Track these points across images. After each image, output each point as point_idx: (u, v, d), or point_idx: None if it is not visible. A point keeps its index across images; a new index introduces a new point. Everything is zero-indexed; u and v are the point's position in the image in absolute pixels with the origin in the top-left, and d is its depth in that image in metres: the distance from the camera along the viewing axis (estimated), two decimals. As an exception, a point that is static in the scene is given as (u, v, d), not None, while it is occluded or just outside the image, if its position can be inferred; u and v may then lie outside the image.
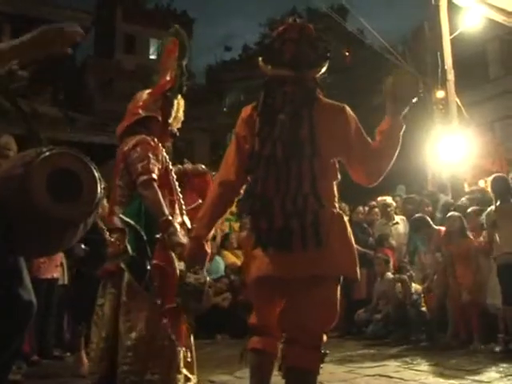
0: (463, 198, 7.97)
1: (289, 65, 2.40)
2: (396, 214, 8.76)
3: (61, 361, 6.24)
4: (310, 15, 30.38)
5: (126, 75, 30.06)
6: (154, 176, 3.24)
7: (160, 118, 3.47)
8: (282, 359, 2.41)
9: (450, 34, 10.48)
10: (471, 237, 6.60)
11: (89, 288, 5.07)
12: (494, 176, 6.55)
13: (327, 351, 2.46)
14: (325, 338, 2.46)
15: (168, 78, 3.52)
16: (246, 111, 2.54)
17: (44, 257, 5.46)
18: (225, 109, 26.21)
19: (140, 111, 3.44)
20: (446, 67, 10.33)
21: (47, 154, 2.32)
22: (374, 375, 4.42)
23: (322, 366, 2.44)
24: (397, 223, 8.54)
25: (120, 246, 3.29)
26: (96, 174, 2.42)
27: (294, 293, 2.40)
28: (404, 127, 2.46)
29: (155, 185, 3.22)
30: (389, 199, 8.81)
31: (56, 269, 6.26)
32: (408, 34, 20.85)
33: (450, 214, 6.84)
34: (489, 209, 6.33)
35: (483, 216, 6.52)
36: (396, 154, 2.48)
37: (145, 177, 3.23)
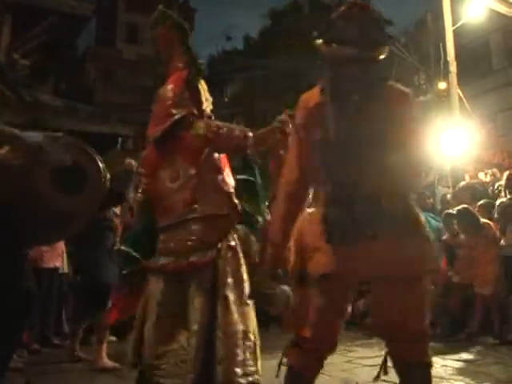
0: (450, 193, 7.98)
1: (355, 43, 2.26)
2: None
3: (61, 349, 6.28)
4: (311, 6, 30.28)
5: (127, 65, 30.01)
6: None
7: (195, 111, 3.29)
8: (396, 358, 2.31)
9: (453, 25, 10.44)
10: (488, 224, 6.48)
11: (105, 274, 5.11)
12: (510, 172, 6.66)
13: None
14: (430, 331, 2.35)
15: (180, 65, 3.36)
16: (310, 100, 2.38)
17: (46, 245, 5.48)
18: (226, 99, 26.15)
19: (173, 111, 3.23)
20: (448, 59, 10.31)
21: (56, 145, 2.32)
22: (373, 365, 4.50)
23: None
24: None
25: (209, 236, 3.14)
26: (101, 166, 2.42)
27: (377, 290, 2.27)
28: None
29: None
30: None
31: (58, 258, 6.29)
32: (411, 25, 20.79)
33: (457, 209, 6.70)
34: (499, 201, 6.35)
35: (495, 208, 6.52)
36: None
37: (250, 133, 3.19)
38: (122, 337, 6.87)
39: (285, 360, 2.44)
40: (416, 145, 2.33)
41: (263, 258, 2.53)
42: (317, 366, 2.38)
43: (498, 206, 6.36)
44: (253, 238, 3.21)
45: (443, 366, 4.52)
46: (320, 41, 2.37)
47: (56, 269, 6.28)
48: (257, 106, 25.55)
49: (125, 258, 3.27)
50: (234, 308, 3.03)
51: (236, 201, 3.28)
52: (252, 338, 3.09)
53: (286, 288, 2.70)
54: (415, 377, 2.26)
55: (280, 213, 2.40)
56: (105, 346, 5.01)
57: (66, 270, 6.60)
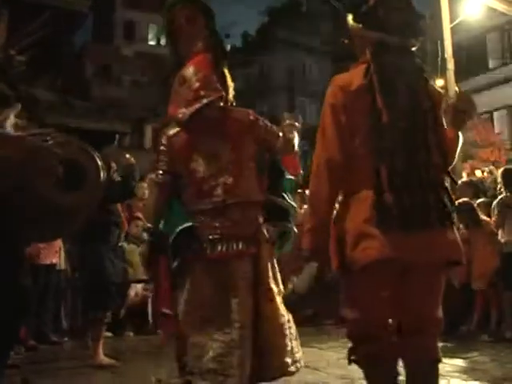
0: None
1: (397, 31, 2.30)
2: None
3: (59, 346, 6.28)
4: (310, 3, 30.29)
5: (124, 61, 29.94)
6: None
7: (224, 94, 3.17)
8: (403, 353, 2.28)
9: (451, 23, 10.44)
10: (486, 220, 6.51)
11: (101, 273, 5.07)
12: (507, 167, 6.70)
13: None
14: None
15: (202, 48, 3.22)
16: (351, 82, 2.32)
17: (44, 242, 5.47)
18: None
19: (202, 93, 3.08)
20: (445, 56, 10.31)
21: (51, 143, 2.31)
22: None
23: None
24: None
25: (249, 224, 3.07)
26: (99, 163, 2.42)
27: (415, 279, 2.23)
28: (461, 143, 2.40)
29: None
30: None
31: (55, 254, 6.29)
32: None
33: (458, 201, 6.69)
34: (499, 197, 6.36)
35: (493, 205, 6.52)
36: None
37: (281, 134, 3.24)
38: (118, 333, 6.89)
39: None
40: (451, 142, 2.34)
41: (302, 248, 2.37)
42: (390, 347, 2.28)
43: (498, 202, 6.36)
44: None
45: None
46: (358, 25, 2.39)
47: (53, 265, 6.28)
48: (255, 102, 25.53)
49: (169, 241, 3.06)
50: (278, 299, 3.02)
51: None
52: (293, 325, 3.10)
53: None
54: (426, 375, 2.27)
55: (323, 195, 2.27)
56: (101, 342, 4.99)
57: (63, 266, 6.60)
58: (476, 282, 6.25)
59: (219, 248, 2.99)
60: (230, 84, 3.33)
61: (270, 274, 3.07)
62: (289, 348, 3.03)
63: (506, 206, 6.15)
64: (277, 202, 3.24)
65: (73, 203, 2.32)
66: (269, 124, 3.26)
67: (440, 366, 2.39)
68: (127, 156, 5.47)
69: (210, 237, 3.01)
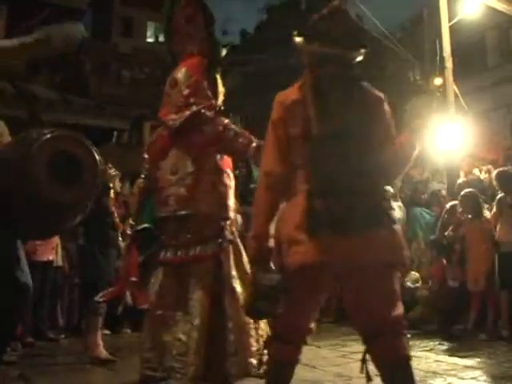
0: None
1: (339, 43, 2.37)
2: (393, 200, 8.74)
3: (55, 342, 6.27)
4: (309, 2, 30.22)
5: (122, 58, 29.88)
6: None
7: (214, 102, 3.26)
8: (375, 356, 2.31)
9: (449, 22, 10.43)
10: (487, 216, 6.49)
11: (98, 271, 5.10)
12: (499, 170, 6.69)
13: (409, 335, 2.37)
14: (405, 322, 2.35)
15: (196, 51, 3.27)
16: (288, 97, 2.42)
17: (42, 239, 5.46)
18: (222, 93, 26.10)
19: (192, 100, 3.18)
20: (444, 54, 10.30)
21: (48, 136, 2.30)
22: (367, 360, 4.59)
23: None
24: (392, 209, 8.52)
25: (204, 232, 3.18)
26: (97, 157, 2.40)
27: (357, 283, 2.27)
28: (417, 150, 2.43)
29: None
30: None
31: (52, 251, 6.29)
32: (407, 20, 20.78)
33: (464, 191, 6.68)
34: (498, 196, 6.38)
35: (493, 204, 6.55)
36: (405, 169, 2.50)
37: (254, 143, 3.21)
38: (115, 330, 6.89)
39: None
40: (392, 146, 2.38)
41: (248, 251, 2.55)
42: (295, 353, 2.39)
43: (497, 202, 6.38)
44: None
45: (437, 361, 4.53)
46: (300, 39, 2.44)
47: (50, 262, 6.27)
48: (252, 100, 25.51)
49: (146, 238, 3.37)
50: (242, 299, 3.04)
51: (231, 202, 3.30)
52: (263, 327, 3.13)
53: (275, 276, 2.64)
54: (397, 374, 2.27)
55: (262, 205, 2.40)
56: (100, 334, 4.99)
57: (60, 263, 6.60)
58: (471, 283, 6.26)
59: (179, 253, 3.16)
60: (221, 90, 3.40)
61: (234, 273, 3.15)
62: (254, 348, 3.07)
63: (503, 204, 6.18)
64: (246, 211, 3.35)
65: (70, 198, 2.31)
66: (240, 132, 3.26)
67: (437, 364, 2.40)
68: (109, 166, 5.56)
69: (173, 242, 3.19)
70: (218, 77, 3.38)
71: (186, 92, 3.19)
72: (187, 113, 3.16)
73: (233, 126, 3.28)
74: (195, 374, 2.93)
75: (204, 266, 3.13)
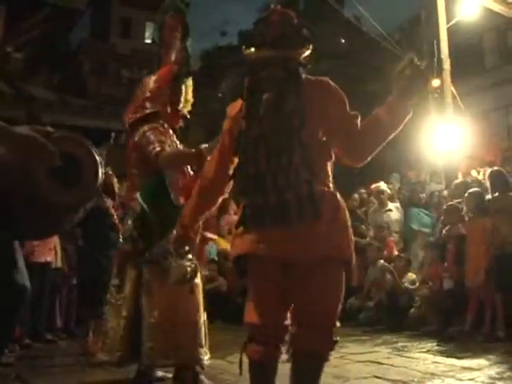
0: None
1: (271, 45, 2.41)
2: (391, 201, 8.75)
3: (53, 344, 6.27)
4: (307, 2, 30.21)
5: (121, 59, 29.88)
6: (166, 148, 3.35)
7: (169, 109, 3.49)
8: (290, 342, 2.35)
9: (447, 23, 10.45)
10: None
11: (98, 272, 5.10)
12: (492, 169, 6.68)
13: (337, 338, 2.38)
14: (338, 323, 2.38)
15: (173, 60, 3.49)
16: (235, 107, 2.53)
17: (39, 240, 5.46)
18: (220, 94, 26.12)
19: (147, 105, 3.43)
20: (442, 56, 10.32)
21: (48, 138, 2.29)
22: (365, 361, 4.45)
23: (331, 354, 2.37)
24: (389, 210, 8.54)
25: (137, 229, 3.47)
26: (98, 159, 2.40)
27: (294, 274, 2.32)
28: (410, 114, 2.40)
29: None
30: (383, 185, 8.80)
31: (49, 252, 6.27)
32: (405, 22, 20.78)
33: (469, 190, 6.66)
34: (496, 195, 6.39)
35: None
36: (387, 138, 2.42)
37: (158, 148, 3.31)
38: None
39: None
40: (338, 134, 2.41)
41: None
42: (275, 353, 2.39)
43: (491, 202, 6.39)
44: None
45: (434, 362, 4.53)
46: (243, 46, 2.51)
47: (48, 263, 6.26)
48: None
49: None
50: (161, 292, 3.31)
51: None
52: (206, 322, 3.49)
53: (183, 263, 3.19)
54: (301, 366, 2.31)
55: (192, 203, 2.69)
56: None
57: (59, 264, 6.58)
58: (469, 280, 6.27)
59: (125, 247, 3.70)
60: (189, 99, 3.62)
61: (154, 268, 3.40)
62: (201, 341, 3.37)
63: (503, 207, 6.17)
64: None
65: (70, 199, 2.31)
66: (153, 140, 3.37)
67: (435, 366, 2.40)
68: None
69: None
70: (187, 85, 3.59)
71: (145, 95, 3.47)
72: (138, 115, 3.45)
73: (148, 134, 3.39)
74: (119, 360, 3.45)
75: (130, 260, 3.51)
